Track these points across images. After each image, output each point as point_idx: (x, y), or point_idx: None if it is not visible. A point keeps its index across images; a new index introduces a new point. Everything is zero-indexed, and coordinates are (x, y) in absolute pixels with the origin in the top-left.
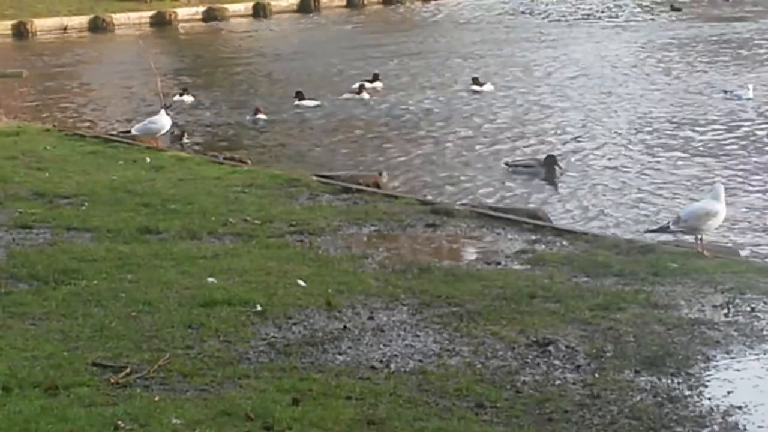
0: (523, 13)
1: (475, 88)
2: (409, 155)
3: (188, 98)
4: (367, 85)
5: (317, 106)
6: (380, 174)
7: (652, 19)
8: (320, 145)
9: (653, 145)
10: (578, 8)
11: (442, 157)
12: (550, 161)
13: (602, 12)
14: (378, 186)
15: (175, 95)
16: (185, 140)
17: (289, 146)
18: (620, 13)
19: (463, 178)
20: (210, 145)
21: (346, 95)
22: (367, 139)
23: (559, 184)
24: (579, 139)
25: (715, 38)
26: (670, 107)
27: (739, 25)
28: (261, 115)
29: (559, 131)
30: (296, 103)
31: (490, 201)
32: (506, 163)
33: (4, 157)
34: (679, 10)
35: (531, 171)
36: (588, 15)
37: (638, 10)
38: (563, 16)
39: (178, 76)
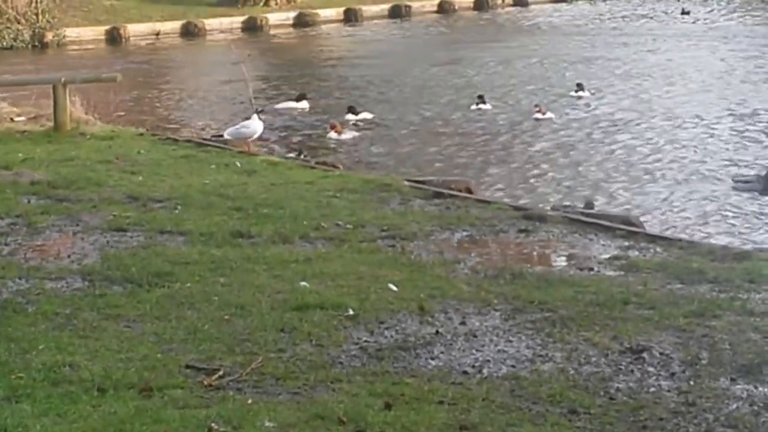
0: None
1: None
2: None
3: (304, 104)
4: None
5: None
6: (590, 203)
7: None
8: (434, 152)
9: None
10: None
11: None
12: None
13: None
14: (470, 192)
15: (287, 101)
16: (303, 157)
17: (387, 153)
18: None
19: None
20: (300, 150)
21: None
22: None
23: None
24: None
25: None
26: None
27: None
28: (332, 134)
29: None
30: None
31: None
32: (732, 179)
33: (99, 161)
34: (688, 13)
35: (751, 187)
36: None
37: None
38: (663, 20)
39: (270, 81)
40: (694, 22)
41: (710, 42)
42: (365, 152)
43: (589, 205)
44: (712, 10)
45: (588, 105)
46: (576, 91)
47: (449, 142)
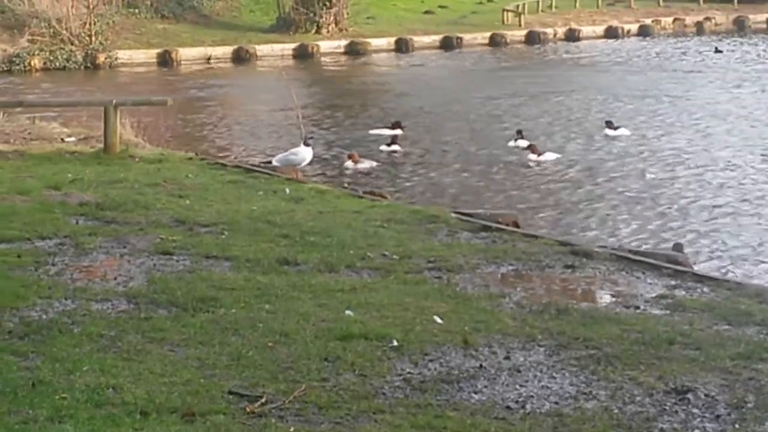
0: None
1: None
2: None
3: (398, 131)
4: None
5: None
6: (679, 246)
7: None
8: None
9: None
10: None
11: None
12: None
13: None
14: (517, 226)
15: (381, 128)
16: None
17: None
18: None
19: None
20: (350, 178)
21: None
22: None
23: None
24: None
25: None
26: None
27: None
28: (349, 163)
29: None
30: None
31: None
32: None
33: (147, 184)
34: (721, 52)
35: None
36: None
37: None
38: (699, 58)
39: (320, 108)
40: (729, 62)
41: (740, 80)
42: (382, 182)
43: (678, 247)
44: (742, 49)
45: (623, 142)
46: (606, 127)
47: (476, 175)
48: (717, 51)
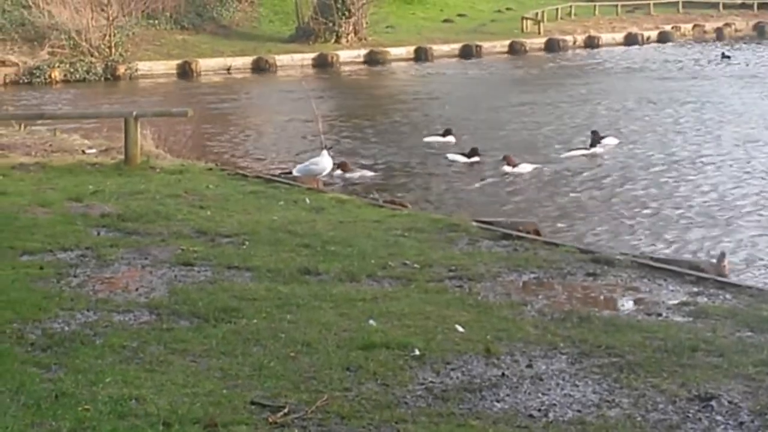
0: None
1: None
2: None
3: (450, 139)
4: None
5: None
6: (722, 258)
7: None
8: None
9: None
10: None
11: None
12: None
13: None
14: (538, 234)
15: (434, 135)
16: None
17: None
18: None
19: None
20: (370, 187)
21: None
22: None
23: None
24: None
25: None
26: None
27: None
28: (338, 171)
29: None
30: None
31: None
32: None
33: (168, 195)
34: (728, 57)
35: None
36: None
37: None
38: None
39: (339, 118)
40: (746, 66)
41: (750, 85)
42: (401, 190)
43: (722, 257)
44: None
45: (610, 152)
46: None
47: (497, 183)
48: (724, 56)
